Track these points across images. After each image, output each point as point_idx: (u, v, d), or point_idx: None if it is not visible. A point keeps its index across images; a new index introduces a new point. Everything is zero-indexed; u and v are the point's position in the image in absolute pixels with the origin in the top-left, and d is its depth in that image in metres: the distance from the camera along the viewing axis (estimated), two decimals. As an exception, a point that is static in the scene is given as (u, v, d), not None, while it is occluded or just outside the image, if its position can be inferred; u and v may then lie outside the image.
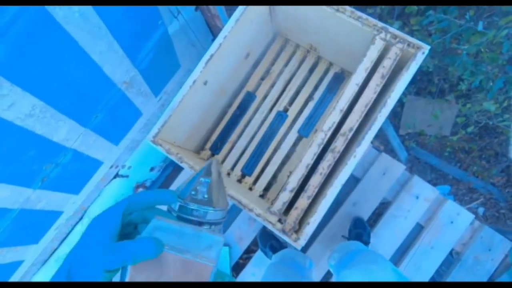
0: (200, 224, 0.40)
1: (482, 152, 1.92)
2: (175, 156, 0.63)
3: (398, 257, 1.42)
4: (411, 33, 1.63)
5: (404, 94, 2.18)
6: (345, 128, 0.60)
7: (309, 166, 0.60)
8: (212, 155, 0.87)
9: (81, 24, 0.70)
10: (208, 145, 0.87)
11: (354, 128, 0.60)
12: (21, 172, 0.85)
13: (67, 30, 0.69)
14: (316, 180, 0.58)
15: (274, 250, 1.24)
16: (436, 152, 2.15)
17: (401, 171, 1.43)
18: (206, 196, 0.43)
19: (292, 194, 0.60)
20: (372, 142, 1.57)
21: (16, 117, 0.71)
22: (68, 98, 0.83)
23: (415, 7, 1.51)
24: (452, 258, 1.45)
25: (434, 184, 2.20)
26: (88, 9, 0.69)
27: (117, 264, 0.29)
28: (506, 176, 2.07)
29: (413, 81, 2.22)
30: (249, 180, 0.84)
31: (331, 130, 0.61)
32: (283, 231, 0.57)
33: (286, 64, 0.89)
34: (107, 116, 1.01)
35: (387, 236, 1.40)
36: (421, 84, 2.20)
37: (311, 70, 0.89)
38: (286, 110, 0.87)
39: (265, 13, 0.77)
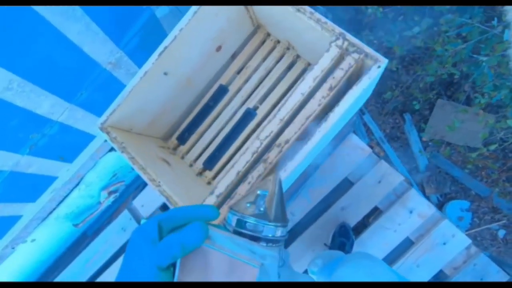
0: (255, 239, 0.37)
1: (508, 172, 1.72)
2: (119, 145, 0.65)
3: (380, 269, 1.36)
4: (439, 34, 1.45)
5: (434, 96, 2.00)
6: (281, 139, 0.57)
7: (240, 173, 0.59)
8: (179, 145, 0.88)
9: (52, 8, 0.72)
10: (177, 134, 0.88)
11: (291, 141, 0.57)
12: (6, 139, 0.92)
13: (38, 12, 0.71)
14: (243, 189, 0.57)
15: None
16: (458, 165, 1.97)
17: (398, 181, 1.33)
18: (262, 209, 0.39)
19: (219, 199, 0.59)
20: (372, 147, 1.47)
21: (-6, 90, 0.76)
22: (47, 75, 0.88)
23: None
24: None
25: (453, 198, 2.04)
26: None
27: (167, 257, 0.29)
28: (534, 202, 1.85)
29: (448, 84, 2.02)
30: (209, 174, 0.84)
31: (268, 139, 0.58)
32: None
33: (264, 60, 0.86)
34: (94, 94, 1.05)
35: (372, 246, 1.34)
36: (457, 88, 1.99)
37: (289, 68, 0.84)
38: (256, 108, 0.84)
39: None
